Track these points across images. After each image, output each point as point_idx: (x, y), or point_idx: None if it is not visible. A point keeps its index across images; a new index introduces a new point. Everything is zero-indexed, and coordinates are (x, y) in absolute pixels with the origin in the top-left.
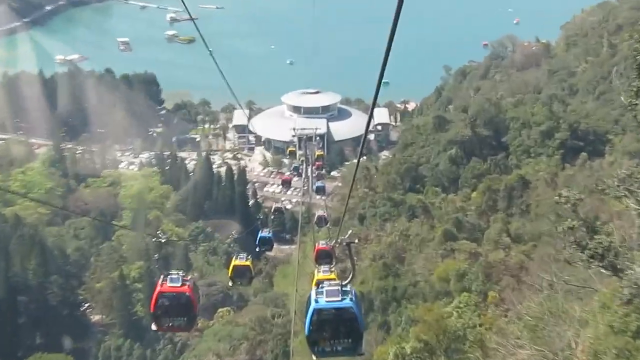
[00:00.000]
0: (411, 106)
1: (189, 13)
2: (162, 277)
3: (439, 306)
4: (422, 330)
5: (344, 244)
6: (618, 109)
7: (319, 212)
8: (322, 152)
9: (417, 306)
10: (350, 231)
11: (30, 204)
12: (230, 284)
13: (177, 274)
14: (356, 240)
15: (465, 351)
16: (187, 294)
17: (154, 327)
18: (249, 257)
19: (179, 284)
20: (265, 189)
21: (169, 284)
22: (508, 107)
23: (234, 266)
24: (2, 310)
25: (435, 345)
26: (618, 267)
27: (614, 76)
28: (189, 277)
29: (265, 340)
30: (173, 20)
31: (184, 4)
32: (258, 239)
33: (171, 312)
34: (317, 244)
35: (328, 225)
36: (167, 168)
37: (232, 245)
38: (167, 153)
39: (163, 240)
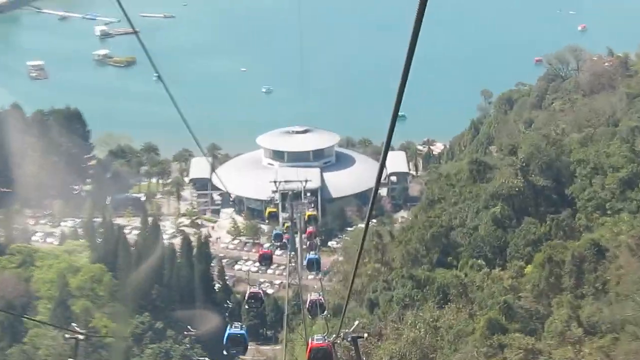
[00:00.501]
0: (438, 148)
1: (131, 24)
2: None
3: None
4: None
5: (348, 339)
6: None
7: (313, 296)
8: (314, 213)
9: None
10: (356, 322)
11: None
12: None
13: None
14: (365, 335)
15: None
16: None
17: None
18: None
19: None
20: (236, 266)
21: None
22: (573, 146)
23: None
24: None
25: None
26: None
27: None
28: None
29: None
30: (104, 34)
31: (122, 9)
32: (226, 337)
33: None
34: (311, 340)
35: (325, 313)
36: (99, 240)
37: (191, 346)
38: (99, 219)
39: (81, 338)
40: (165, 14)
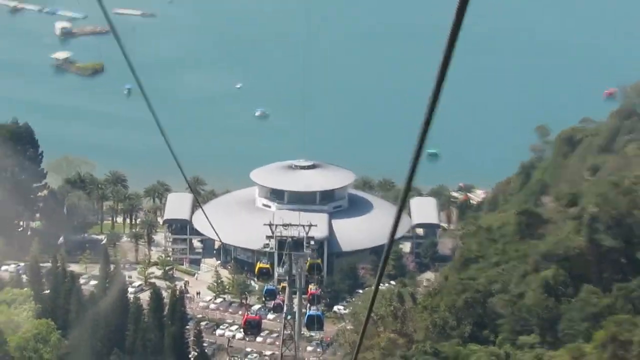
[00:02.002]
0: (477, 196)
1: (110, 23)
2: None
3: None
4: None
5: None
6: None
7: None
8: (317, 261)
9: None
10: None
11: None
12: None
13: None
14: None
15: None
16: None
17: None
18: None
19: None
20: (218, 331)
21: None
22: None
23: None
24: None
25: None
26: None
27: None
28: None
29: None
30: (66, 33)
31: (101, 4)
32: None
33: None
34: None
35: None
36: (46, 291)
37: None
38: (48, 264)
39: None
40: (144, 12)
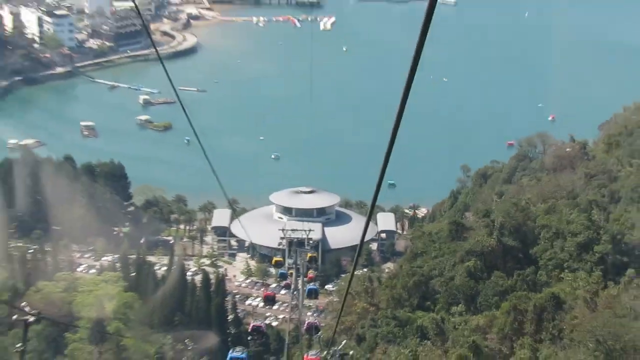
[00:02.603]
0: (422, 212)
1: (177, 94)
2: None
3: None
4: None
5: (337, 355)
6: None
7: (310, 320)
8: (314, 254)
9: None
10: (344, 342)
11: None
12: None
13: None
14: (351, 352)
15: None
16: None
17: None
18: None
19: None
20: (247, 302)
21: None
22: (538, 213)
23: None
24: None
25: None
26: None
27: None
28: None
29: None
30: (146, 103)
31: (170, 82)
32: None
33: None
34: (306, 355)
35: (320, 334)
36: (132, 273)
37: None
38: (134, 256)
39: (31, 320)
40: (198, 89)
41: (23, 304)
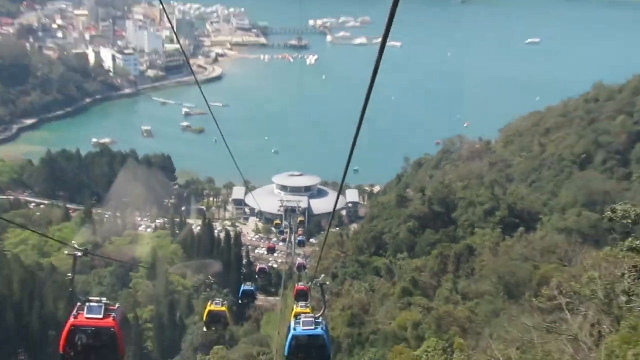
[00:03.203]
0: (377, 189)
1: (208, 107)
2: (77, 305)
3: (403, 349)
4: None
5: (318, 284)
6: (546, 194)
7: (299, 260)
8: (302, 218)
9: (388, 349)
10: (322, 275)
11: (63, 256)
12: (204, 329)
13: (99, 301)
14: (327, 282)
15: None
16: (112, 328)
17: None
18: (224, 302)
19: (100, 316)
20: (256, 251)
21: (86, 314)
22: (457, 189)
23: (209, 311)
24: (34, 342)
25: None
26: None
27: (543, 168)
28: (115, 307)
29: None
30: (187, 114)
31: (205, 99)
32: (240, 291)
33: (88, 353)
34: (296, 285)
35: (306, 271)
36: (177, 231)
37: (227, 294)
38: (178, 220)
39: (79, 254)
40: (223, 104)
41: (73, 241)
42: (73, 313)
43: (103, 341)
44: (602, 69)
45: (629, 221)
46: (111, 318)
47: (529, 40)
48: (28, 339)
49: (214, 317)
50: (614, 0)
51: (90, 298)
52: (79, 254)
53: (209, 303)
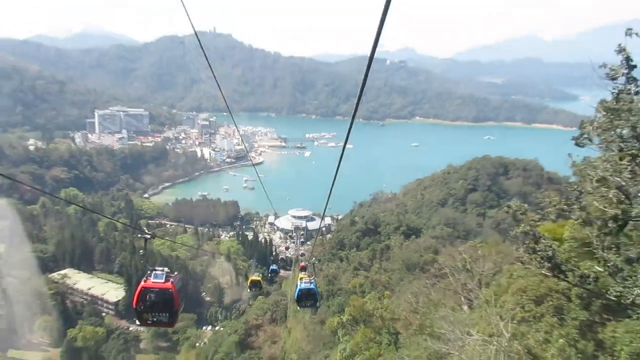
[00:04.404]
0: (340, 217)
1: (260, 179)
2: (147, 273)
3: (359, 299)
4: (352, 310)
5: (311, 263)
6: (425, 219)
7: (301, 252)
8: (305, 264)
9: (348, 298)
10: (313, 259)
11: (184, 251)
12: (248, 290)
13: (162, 270)
14: (315, 263)
15: (372, 321)
16: (170, 290)
17: (137, 322)
18: (260, 274)
19: (162, 280)
20: (279, 248)
21: (152, 280)
22: (381, 216)
23: (251, 280)
24: None
25: (359, 318)
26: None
27: (423, 206)
28: (174, 274)
29: (279, 309)
30: (246, 180)
31: (256, 173)
32: (270, 269)
33: (153, 307)
34: (299, 264)
35: (304, 256)
36: (240, 238)
37: (262, 270)
38: (240, 232)
39: (148, 237)
40: (264, 175)
41: (144, 228)
42: (143, 278)
43: (163, 298)
44: (451, 158)
45: (521, 213)
46: (170, 282)
47: (414, 144)
48: None
49: (254, 283)
50: (462, 124)
51: (156, 268)
52: (148, 237)
53: (251, 274)
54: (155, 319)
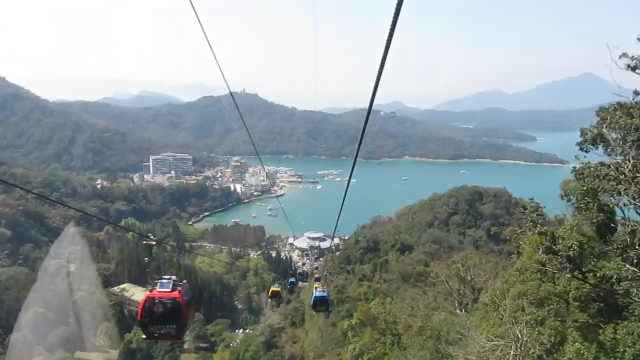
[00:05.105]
0: (347, 237)
1: (282, 208)
2: (154, 282)
3: (365, 305)
4: (360, 314)
5: (324, 275)
6: (415, 237)
7: (315, 266)
8: (318, 276)
9: (355, 304)
10: (325, 272)
11: (220, 267)
12: (269, 300)
13: (169, 278)
14: (327, 275)
15: (378, 324)
16: (177, 299)
17: (142, 336)
18: (279, 285)
19: (168, 289)
20: (298, 263)
21: (158, 289)
22: (380, 236)
23: (272, 290)
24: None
25: (366, 321)
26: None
27: (414, 227)
28: (182, 282)
29: (298, 314)
30: (270, 209)
31: (279, 203)
32: (289, 281)
33: (159, 319)
34: (315, 275)
35: (318, 270)
36: (265, 256)
37: (282, 282)
38: (266, 251)
39: (154, 244)
40: (283, 206)
41: (149, 234)
42: (149, 288)
43: (170, 309)
44: (435, 188)
45: (538, 213)
46: (177, 291)
47: (404, 177)
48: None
49: (274, 293)
50: (442, 161)
51: (163, 276)
52: (153, 243)
53: (271, 286)
54: (162, 331)
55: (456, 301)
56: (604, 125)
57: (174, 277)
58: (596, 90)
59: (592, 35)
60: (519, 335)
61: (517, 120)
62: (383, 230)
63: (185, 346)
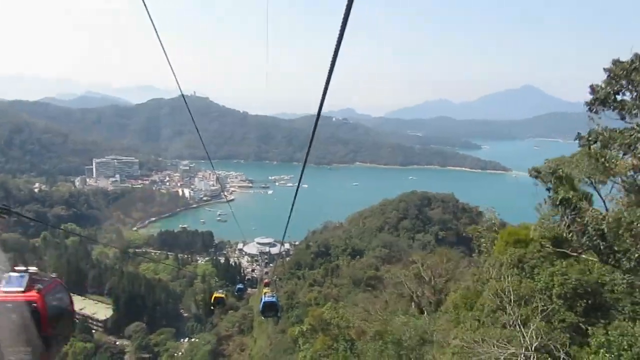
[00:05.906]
0: (297, 242)
1: (232, 213)
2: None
3: (317, 309)
4: (311, 319)
5: (273, 280)
6: (366, 242)
7: (265, 271)
8: (268, 280)
9: (305, 310)
10: (275, 277)
11: (165, 274)
12: (211, 307)
13: (26, 270)
14: (277, 280)
15: (330, 329)
16: (34, 304)
17: None
18: (223, 291)
19: (21, 288)
20: (247, 270)
21: (3, 287)
22: (330, 240)
23: (215, 297)
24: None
25: (317, 327)
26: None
27: (365, 232)
28: (48, 277)
29: (246, 321)
30: (219, 214)
31: (230, 208)
32: (237, 287)
33: (5, 336)
34: (264, 280)
35: (268, 275)
36: (221, 262)
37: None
38: (215, 257)
39: (117, 249)
40: (234, 211)
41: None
42: None
43: (21, 320)
44: (385, 194)
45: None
46: (35, 291)
47: (355, 183)
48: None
49: (217, 300)
50: (392, 167)
51: (15, 268)
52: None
53: (215, 292)
54: (10, 358)
55: (413, 303)
56: (620, 83)
57: (33, 269)
58: (536, 102)
59: (532, 49)
60: (521, 338)
61: (463, 128)
62: (334, 235)
63: (127, 357)
